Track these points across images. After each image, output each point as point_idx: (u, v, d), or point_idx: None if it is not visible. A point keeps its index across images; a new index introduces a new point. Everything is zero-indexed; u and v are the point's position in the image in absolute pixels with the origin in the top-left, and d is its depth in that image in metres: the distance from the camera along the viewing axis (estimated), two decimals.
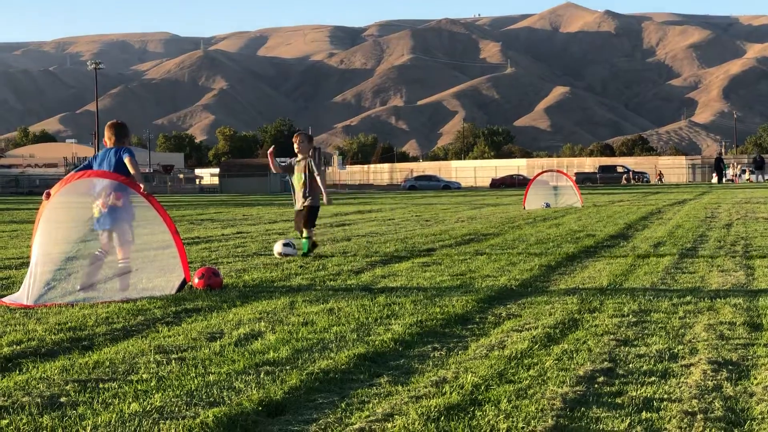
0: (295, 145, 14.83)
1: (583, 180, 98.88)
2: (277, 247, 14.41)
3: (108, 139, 10.77)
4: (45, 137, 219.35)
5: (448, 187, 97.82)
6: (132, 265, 10.33)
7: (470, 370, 6.18)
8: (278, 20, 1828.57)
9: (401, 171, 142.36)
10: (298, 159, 14.84)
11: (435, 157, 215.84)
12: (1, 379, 5.99)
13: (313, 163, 14.83)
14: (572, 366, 6.29)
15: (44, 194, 10.09)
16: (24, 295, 9.48)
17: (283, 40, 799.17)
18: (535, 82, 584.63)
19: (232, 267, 13.02)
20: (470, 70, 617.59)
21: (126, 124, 11.17)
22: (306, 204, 14.57)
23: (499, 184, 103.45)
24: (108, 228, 10.19)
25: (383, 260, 13.87)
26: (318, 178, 14.80)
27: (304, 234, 14.55)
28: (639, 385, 5.77)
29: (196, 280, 10.32)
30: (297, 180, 14.74)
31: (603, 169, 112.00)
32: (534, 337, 7.27)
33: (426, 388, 5.72)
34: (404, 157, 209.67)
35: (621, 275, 11.49)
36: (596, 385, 5.78)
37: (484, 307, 9.00)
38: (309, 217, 14.59)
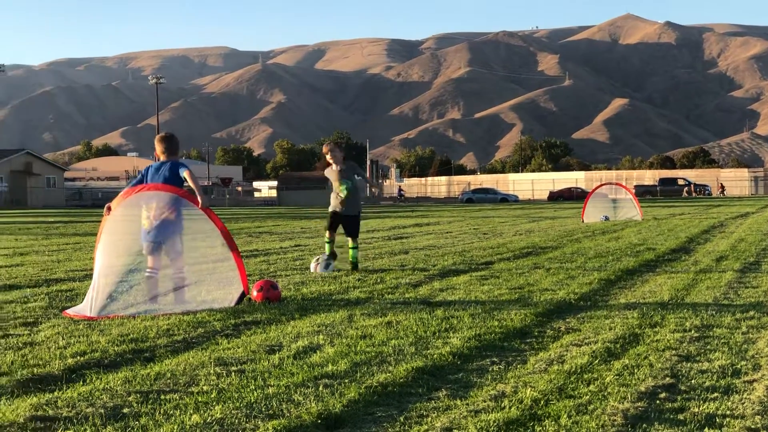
0: (328, 157, 14.57)
1: (643, 193, 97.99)
2: (318, 268, 14.20)
3: (161, 153, 10.86)
4: (107, 151, 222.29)
5: (506, 199, 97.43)
6: (187, 277, 10.39)
7: (529, 384, 6.15)
8: (336, 34, 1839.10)
9: (459, 184, 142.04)
10: (334, 168, 14.58)
11: (492, 170, 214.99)
12: (66, 390, 6.08)
13: (356, 170, 14.72)
14: (633, 381, 6.23)
15: (105, 208, 10.22)
16: (87, 306, 9.61)
17: (341, 53, 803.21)
18: (594, 94, 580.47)
19: (290, 280, 13.08)
20: (528, 83, 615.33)
21: (175, 136, 11.26)
22: (348, 213, 14.54)
23: (557, 196, 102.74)
24: (156, 241, 10.26)
25: (441, 273, 13.86)
26: (369, 181, 15.27)
27: (350, 243, 14.55)
28: (701, 402, 5.70)
29: (255, 293, 10.39)
30: (339, 190, 14.58)
31: (663, 181, 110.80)
32: (594, 351, 7.22)
33: (485, 402, 5.70)
34: (462, 170, 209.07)
35: (682, 290, 11.36)
36: (658, 401, 5.73)
37: (543, 321, 8.95)
38: (353, 227, 14.55)
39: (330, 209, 14.69)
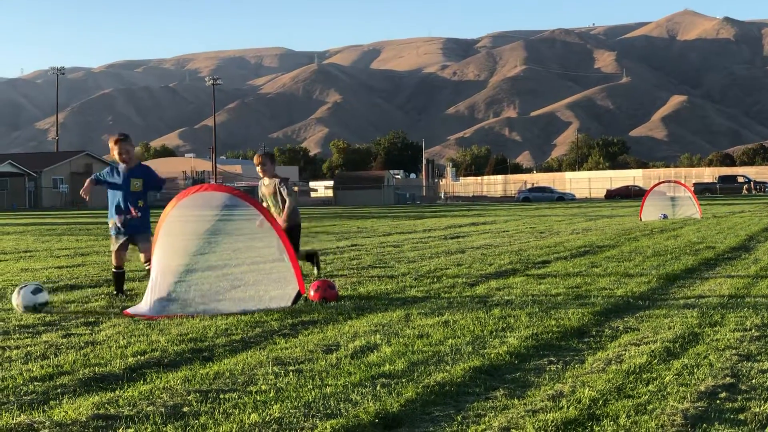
0: (258, 169, 13.10)
1: (702, 190, 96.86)
2: (21, 299, 10.10)
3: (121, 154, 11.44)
4: (165, 152, 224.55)
5: (563, 198, 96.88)
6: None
7: (587, 384, 6.11)
8: (391, 33, 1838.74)
9: (515, 182, 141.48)
10: (265, 183, 13.09)
11: (549, 169, 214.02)
12: (127, 389, 6.16)
13: (284, 187, 13.06)
14: (693, 381, 6.17)
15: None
16: (146, 306, 9.73)
17: (396, 52, 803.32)
18: (652, 91, 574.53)
19: (347, 279, 13.12)
20: (584, 81, 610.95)
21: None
22: (285, 227, 12.31)
23: (614, 195, 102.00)
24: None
25: (498, 272, 13.82)
26: (288, 200, 12.95)
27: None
28: (762, 401, 5.63)
29: (312, 293, 10.45)
30: (272, 206, 12.92)
31: (723, 179, 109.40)
32: (653, 351, 7.16)
33: (542, 401, 5.68)
34: (518, 169, 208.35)
35: (743, 288, 11.22)
36: (718, 401, 5.67)
37: (601, 320, 8.90)
38: (294, 241, 12.49)
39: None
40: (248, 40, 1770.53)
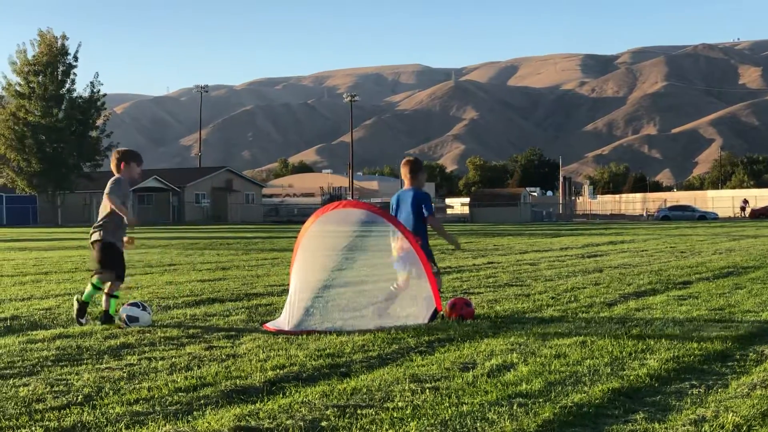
0: (139, 171, 10.92)
1: None
2: (122, 311, 10.24)
3: (404, 177, 11.46)
4: (302, 168, 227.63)
5: (704, 217, 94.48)
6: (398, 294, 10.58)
7: (731, 409, 5.96)
8: (528, 50, 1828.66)
9: (654, 201, 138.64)
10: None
11: (690, 187, 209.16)
12: (267, 402, 6.28)
13: (111, 185, 10.43)
14: None
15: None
16: (285, 321, 9.89)
17: (534, 69, 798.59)
18: None
19: (483, 297, 13.09)
20: (728, 97, 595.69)
21: (418, 159, 11.66)
22: (93, 239, 10.58)
23: (759, 214, 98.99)
24: (404, 271, 10.52)
25: (637, 293, 13.59)
26: (116, 208, 10.30)
27: (93, 279, 10.55)
28: None
29: (449, 310, 10.46)
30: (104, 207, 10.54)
31: None
32: None
33: (684, 426, 5.56)
34: (657, 187, 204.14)
35: None
36: None
37: (745, 344, 8.65)
38: (99, 256, 10.51)
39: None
40: (386, 57, 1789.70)
